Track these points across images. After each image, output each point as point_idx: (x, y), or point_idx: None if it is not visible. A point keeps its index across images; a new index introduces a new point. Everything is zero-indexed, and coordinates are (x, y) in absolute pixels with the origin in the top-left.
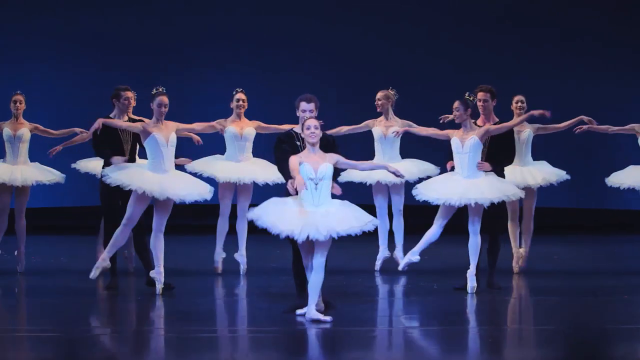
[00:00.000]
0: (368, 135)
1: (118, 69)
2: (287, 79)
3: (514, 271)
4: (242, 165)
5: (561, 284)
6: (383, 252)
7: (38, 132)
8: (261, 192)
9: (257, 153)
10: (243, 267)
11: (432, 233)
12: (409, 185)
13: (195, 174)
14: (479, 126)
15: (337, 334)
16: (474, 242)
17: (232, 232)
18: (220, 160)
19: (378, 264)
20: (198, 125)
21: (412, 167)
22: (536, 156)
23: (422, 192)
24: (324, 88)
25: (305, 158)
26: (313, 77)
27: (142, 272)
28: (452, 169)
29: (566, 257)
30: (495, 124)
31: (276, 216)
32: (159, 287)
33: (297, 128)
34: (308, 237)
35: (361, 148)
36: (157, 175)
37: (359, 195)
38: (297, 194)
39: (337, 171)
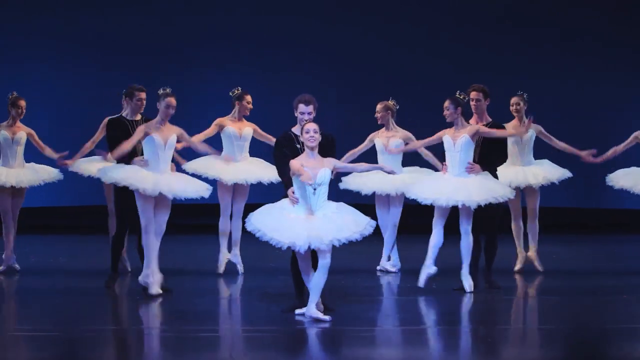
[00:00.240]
0: (371, 147)
1: (118, 69)
2: (287, 79)
3: (514, 270)
4: (243, 166)
5: (561, 284)
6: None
7: (32, 139)
8: (257, 191)
9: (254, 152)
10: (240, 267)
11: (436, 238)
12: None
13: (199, 177)
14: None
15: (337, 333)
16: (466, 243)
17: None
18: (219, 160)
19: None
20: (198, 142)
21: (416, 176)
22: (537, 154)
23: (412, 191)
24: (324, 88)
25: (304, 163)
26: (313, 77)
27: (141, 272)
28: None
29: (566, 257)
30: (488, 123)
31: (275, 227)
32: (153, 290)
33: (295, 129)
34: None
35: (365, 160)
36: (153, 174)
37: (357, 195)
38: (297, 202)
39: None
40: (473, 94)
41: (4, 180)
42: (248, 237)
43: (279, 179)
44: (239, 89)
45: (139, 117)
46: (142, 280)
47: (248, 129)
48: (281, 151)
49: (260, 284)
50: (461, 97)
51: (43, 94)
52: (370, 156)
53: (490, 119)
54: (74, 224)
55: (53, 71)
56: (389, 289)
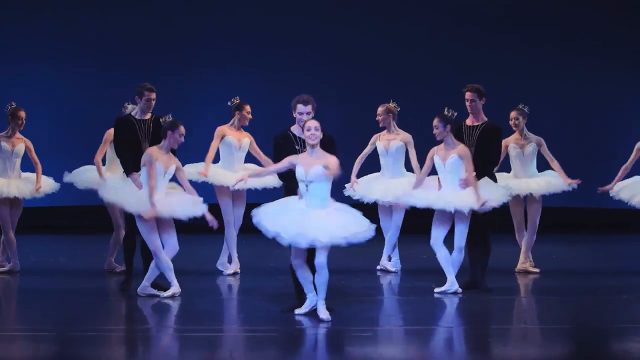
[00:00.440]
0: (373, 150)
1: (118, 69)
2: (287, 79)
3: (515, 270)
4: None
5: (561, 283)
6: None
7: (29, 153)
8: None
9: (251, 157)
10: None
11: (444, 256)
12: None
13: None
14: (460, 141)
15: (337, 333)
16: (457, 258)
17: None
18: (219, 168)
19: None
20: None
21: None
22: (541, 167)
23: (403, 199)
24: (324, 88)
25: (300, 159)
26: (313, 77)
27: (141, 273)
28: None
29: (566, 257)
30: (483, 123)
31: (270, 215)
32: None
33: (294, 129)
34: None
35: (368, 162)
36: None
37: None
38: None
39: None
40: (467, 95)
41: (6, 191)
42: (249, 237)
43: (280, 183)
44: (238, 98)
45: (148, 116)
46: (140, 292)
47: (246, 140)
48: (280, 153)
49: (260, 284)
50: (449, 115)
51: (43, 94)
52: (373, 159)
53: (486, 119)
54: (73, 224)
55: (53, 71)
56: (389, 289)
